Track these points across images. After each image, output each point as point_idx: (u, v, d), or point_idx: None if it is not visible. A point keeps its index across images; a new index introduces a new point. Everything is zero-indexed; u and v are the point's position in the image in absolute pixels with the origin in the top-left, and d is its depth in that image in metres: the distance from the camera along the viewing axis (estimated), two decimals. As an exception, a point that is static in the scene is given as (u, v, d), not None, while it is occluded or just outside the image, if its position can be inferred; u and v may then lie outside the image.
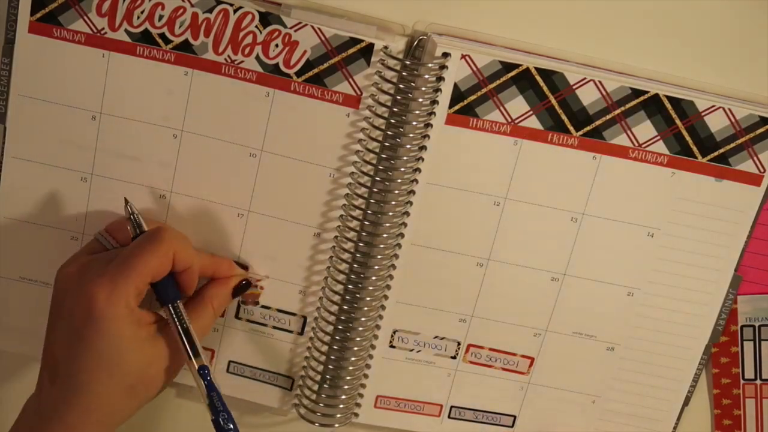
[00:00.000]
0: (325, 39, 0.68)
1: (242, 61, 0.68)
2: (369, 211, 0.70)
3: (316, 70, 0.69)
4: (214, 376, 0.65)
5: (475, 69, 0.68)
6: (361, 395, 0.76)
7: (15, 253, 0.73)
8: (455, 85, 0.68)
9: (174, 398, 0.79)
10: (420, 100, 0.68)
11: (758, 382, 0.77)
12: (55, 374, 0.63)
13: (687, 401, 0.77)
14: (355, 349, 0.73)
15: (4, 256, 0.73)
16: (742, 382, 0.77)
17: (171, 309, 0.65)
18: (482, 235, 0.72)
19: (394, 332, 0.75)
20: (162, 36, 0.68)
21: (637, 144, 0.70)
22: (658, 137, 0.70)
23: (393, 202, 0.70)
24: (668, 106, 0.69)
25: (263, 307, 0.74)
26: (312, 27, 0.67)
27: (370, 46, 0.68)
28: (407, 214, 0.71)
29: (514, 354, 0.75)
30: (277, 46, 0.68)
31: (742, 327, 0.76)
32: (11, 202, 0.72)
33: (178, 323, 0.65)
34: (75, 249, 0.72)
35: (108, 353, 0.62)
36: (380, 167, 0.69)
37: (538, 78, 0.68)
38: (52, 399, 0.63)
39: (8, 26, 0.68)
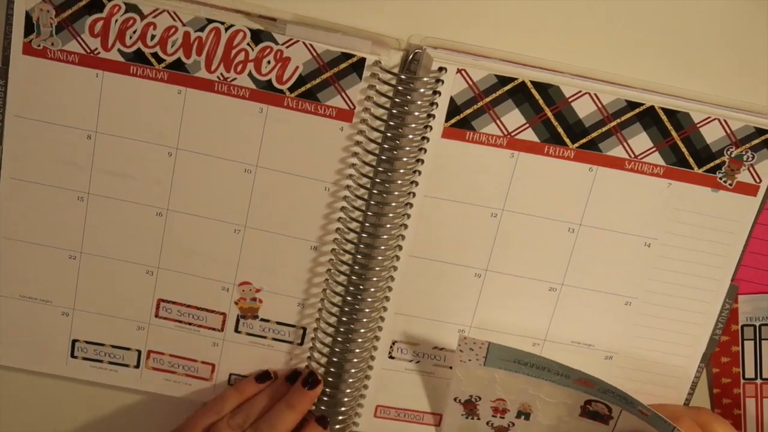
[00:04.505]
0: (316, 54, 0.68)
1: (235, 79, 0.68)
2: (366, 224, 0.70)
3: (308, 86, 0.68)
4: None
5: (471, 83, 0.68)
6: (360, 405, 0.76)
7: (14, 272, 0.73)
8: (451, 99, 0.68)
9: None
10: (416, 113, 0.68)
11: (758, 381, 0.77)
12: None
13: (685, 409, 0.77)
14: (355, 360, 0.74)
15: (3, 275, 0.73)
16: (742, 381, 0.77)
17: None
18: (480, 247, 0.72)
19: (393, 343, 0.75)
20: (155, 55, 0.68)
21: (633, 155, 0.70)
22: (654, 149, 0.70)
23: (390, 215, 0.70)
24: (664, 117, 0.69)
25: (262, 320, 0.74)
26: (303, 43, 0.67)
27: (362, 60, 0.68)
28: (405, 226, 0.71)
29: (513, 364, 0.75)
30: (269, 62, 0.68)
31: (742, 326, 0.76)
32: (10, 222, 0.72)
33: None
34: (73, 268, 0.73)
35: None
36: (377, 180, 0.69)
37: (533, 91, 0.68)
38: None
39: (4, 45, 0.68)
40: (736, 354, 0.77)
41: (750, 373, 0.77)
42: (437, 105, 0.68)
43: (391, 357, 0.75)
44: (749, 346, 0.77)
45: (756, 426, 0.78)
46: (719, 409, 0.78)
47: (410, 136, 0.68)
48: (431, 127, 0.69)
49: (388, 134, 0.68)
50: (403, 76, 0.67)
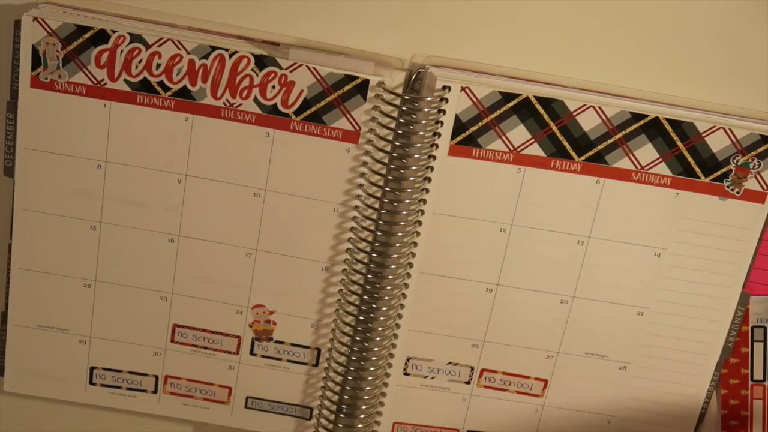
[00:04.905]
0: (320, 77, 0.68)
1: (240, 104, 0.69)
2: (376, 243, 0.71)
3: (313, 109, 0.69)
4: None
5: (475, 100, 0.68)
6: (377, 423, 0.77)
7: (31, 302, 0.74)
8: (456, 117, 0.69)
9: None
10: (421, 133, 0.68)
11: (766, 383, 0.77)
12: None
13: (701, 417, 0.77)
14: (370, 378, 0.74)
15: (21, 306, 0.74)
16: (750, 383, 0.77)
17: None
18: (490, 262, 0.72)
19: (408, 360, 0.75)
20: (161, 84, 0.68)
21: (639, 167, 0.70)
22: (660, 159, 0.70)
23: (399, 234, 0.70)
24: (668, 128, 0.69)
25: (277, 342, 0.75)
26: (307, 66, 0.68)
27: (366, 81, 0.68)
28: (415, 244, 0.72)
29: (527, 377, 0.75)
30: (273, 87, 0.68)
31: (752, 327, 0.76)
32: (25, 253, 0.73)
33: None
34: (89, 296, 0.73)
35: None
36: (385, 200, 0.70)
37: (538, 106, 0.68)
38: None
39: (12, 79, 0.69)
40: (746, 355, 0.76)
41: (758, 374, 0.77)
42: (442, 123, 0.69)
43: (406, 373, 0.76)
44: (759, 347, 0.76)
45: (763, 428, 0.77)
46: (726, 410, 0.78)
47: (416, 155, 0.69)
48: (437, 146, 0.69)
49: (395, 154, 0.69)
50: (407, 97, 0.68)
